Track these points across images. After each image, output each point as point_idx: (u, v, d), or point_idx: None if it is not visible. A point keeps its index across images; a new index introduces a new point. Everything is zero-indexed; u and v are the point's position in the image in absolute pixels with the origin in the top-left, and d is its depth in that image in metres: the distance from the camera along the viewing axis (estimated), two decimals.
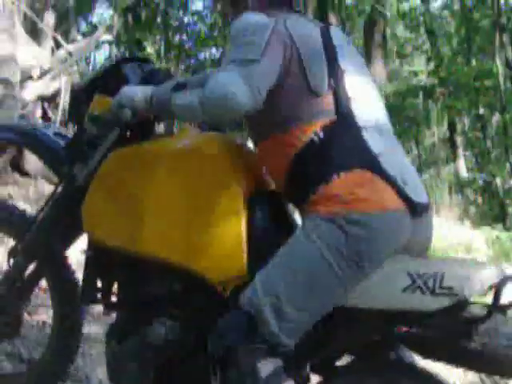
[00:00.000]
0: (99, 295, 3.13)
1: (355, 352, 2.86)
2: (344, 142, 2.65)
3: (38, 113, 5.67)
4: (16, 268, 3.24)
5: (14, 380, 3.39)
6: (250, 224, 2.80)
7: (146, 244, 2.88)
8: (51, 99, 6.34)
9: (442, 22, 22.79)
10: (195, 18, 19.16)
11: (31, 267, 3.31)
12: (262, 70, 2.58)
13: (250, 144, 3.05)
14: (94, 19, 20.07)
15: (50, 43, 7.21)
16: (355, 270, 2.56)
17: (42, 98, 6.23)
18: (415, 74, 22.15)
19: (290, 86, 2.69)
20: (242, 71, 2.54)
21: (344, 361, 2.89)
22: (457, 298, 2.46)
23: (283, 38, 2.67)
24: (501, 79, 18.10)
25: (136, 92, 2.86)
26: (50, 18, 7.21)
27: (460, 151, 22.03)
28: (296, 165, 2.69)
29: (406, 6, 17.45)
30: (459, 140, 22.39)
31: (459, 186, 18.25)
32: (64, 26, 14.14)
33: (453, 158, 22.13)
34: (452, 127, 22.54)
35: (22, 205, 4.14)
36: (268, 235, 2.85)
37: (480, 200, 19.88)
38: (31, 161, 5.34)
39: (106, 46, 18.87)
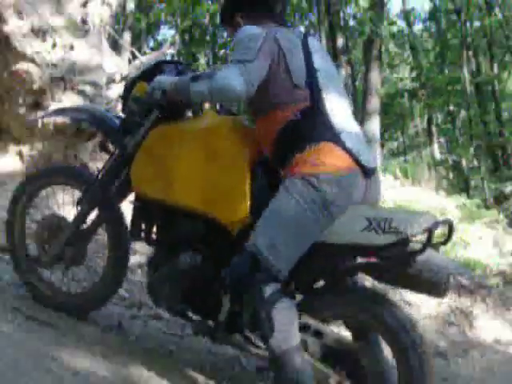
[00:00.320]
0: (143, 234, 3.18)
1: (326, 277, 2.88)
2: (315, 122, 2.71)
3: (119, 107, 5.68)
4: (81, 213, 3.27)
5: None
6: (253, 181, 2.84)
7: (177, 196, 2.93)
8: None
9: (422, 40, 22.57)
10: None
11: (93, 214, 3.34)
12: (255, 68, 2.65)
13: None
14: (160, 37, 20.01)
15: (127, 55, 7.24)
16: (326, 215, 2.62)
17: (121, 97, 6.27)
18: (401, 80, 21.99)
19: (278, 80, 2.75)
20: (240, 68, 2.63)
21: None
22: (401, 236, 2.49)
23: (272, 45, 2.74)
24: (466, 85, 17.92)
25: (165, 79, 2.96)
26: (127, 37, 7.26)
27: (435, 138, 21.89)
28: (280, 137, 2.76)
29: (395, 29, 17.34)
30: (434, 130, 22.25)
31: (434, 164, 18.09)
32: (137, 42, 14.17)
33: (429, 143, 21.99)
34: (430, 120, 22.39)
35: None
36: (265, 190, 2.85)
37: (450, 175, 19.71)
38: None
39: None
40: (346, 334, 2.99)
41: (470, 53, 18.80)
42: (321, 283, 2.90)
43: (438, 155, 21.18)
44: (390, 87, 21.70)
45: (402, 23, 21.00)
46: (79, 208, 3.28)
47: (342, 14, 14.97)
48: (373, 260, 2.69)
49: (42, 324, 3.15)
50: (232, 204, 2.84)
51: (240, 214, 2.82)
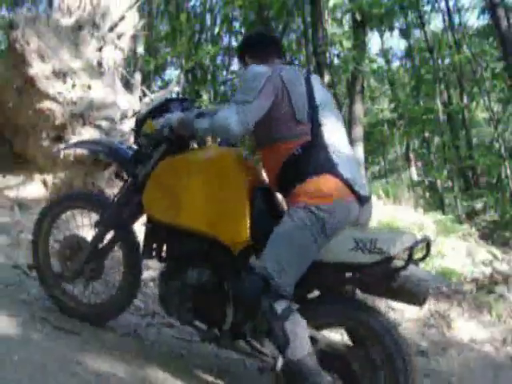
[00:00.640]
0: (154, 253, 3.18)
1: (320, 289, 2.88)
2: (315, 155, 2.70)
3: (131, 139, 5.70)
4: (99, 234, 3.28)
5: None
6: (252, 206, 2.84)
7: (184, 219, 2.93)
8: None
9: (399, 75, 22.67)
10: (233, 75, 19.18)
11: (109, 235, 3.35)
12: (252, 109, 2.65)
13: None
14: (166, 77, 20.10)
15: (138, 93, 7.26)
16: (323, 237, 2.63)
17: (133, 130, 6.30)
18: (382, 110, 22.02)
19: (281, 116, 2.73)
20: (238, 109, 2.64)
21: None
22: (385, 255, 2.51)
23: (277, 83, 2.72)
24: (439, 114, 17.96)
25: (172, 116, 2.97)
26: (138, 77, 7.28)
27: (412, 162, 21.93)
28: (283, 168, 2.75)
29: (375, 65, 17.44)
30: (412, 155, 22.29)
31: (412, 185, 18.10)
32: (147, 81, 14.21)
33: (408, 167, 22.01)
34: (407, 146, 22.44)
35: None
36: (264, 214, 2.87)
37: (427, 195, 19.70)
38: None
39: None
40: (337, 339, 2.98)
41: (442, 86, 18.83)
42: (314, 294, 2.89)
43: (415, 177, 21.21)
44: (372, 117, 21.70)
45: (381, 61, 21.16)
46: (97, 229, 3.29)
47: (327, 54, 15.01)
48: (360, 275, 2.70)
49: (67, 332, 3.17)
50: (233, 227, 2.84)
51: (241, 236, 2.82)
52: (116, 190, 3.78)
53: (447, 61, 19.63)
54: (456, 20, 18.82)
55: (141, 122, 3.19)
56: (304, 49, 18.14)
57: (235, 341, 2.96)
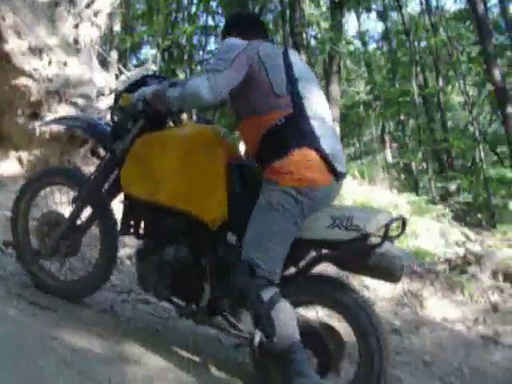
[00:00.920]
0: (131, 230, 3.17)
1: (296, 267, 2.91)
2: (297, 127, 2.69)
3: (108, 117, 5.67)
4: (76, 210, 3.26)
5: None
6: (229, 183, 2.84)
7: (162, 196, 2.92)
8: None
9: (376, 58, 22.73)
10: (210, 55, 19.12)
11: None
12: (223, 78, 2.62)
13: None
14: (142, 56, 19.97)
15: (114, 71, 7.22)
16: (302, 219, 2.65)
17: (110, 108, 6.28)
18: (358, 93, 22.13)
19: (258, 88, 2.71)
20: (209, 76, 2.62)
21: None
22: (361, 232, 2.54)
23: (251, 55, 2.70)
24: (415, 97, 18.09)
25: (147, 89, 2.94)
26: (114, 54, 7.24)
27: (387, 145, 22.06)
28: (264, 140, 2.73)
29: (352, 47, 17.47)
30: (387, 137, 22.42)
31: (387, 167, 18.22)
32: (123, 60, 14.11)
33: (383, 149, 22.15)
34: (383, 128, 22.59)
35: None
36: (241, 191, 2.86)
37: (402, 177, 19.85)
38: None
39: None
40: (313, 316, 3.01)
41: (418, 69, 18.97)
42: (290, 271, 2.91)
43: (390, 159, 21.34)
44: (348, 99, 21.83)
45: (357, 43, 21.19)
46: (74, 205, 3.27)
47: (304, 35, 15.00)
48: (336, 252, 2.73)
49: (43, 308, 3.15)
50: (210, 204, 2.84)
51: (218, 212, 2.83)
52: (91, 168, 3.76)
53: (423, 44, 19.75)
54: (433, 3, 18.94)
55: (118, 97, 3.17)
56: (281, 29, 18.08)
57: (212, 317, 2.97)
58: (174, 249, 2.96)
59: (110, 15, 7.36)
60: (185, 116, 3.38)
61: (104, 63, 7.21)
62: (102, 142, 3.26)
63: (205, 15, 20.19)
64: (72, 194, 3.33)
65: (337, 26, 13.66)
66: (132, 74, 7.14)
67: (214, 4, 19.66)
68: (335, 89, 13.92)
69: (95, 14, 6.10)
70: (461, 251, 6.37)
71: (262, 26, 3.12)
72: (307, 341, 2.69)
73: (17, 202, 3.46)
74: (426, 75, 19.89)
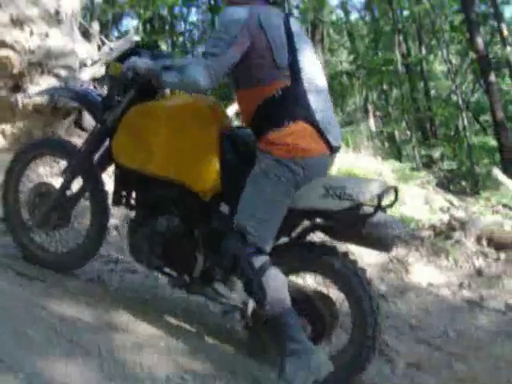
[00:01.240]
0: (123, 200, 3.17)
1: (289, 236, 2.93)
2: (293, 100, 2.67)
3: (91, 88, 5.62)
4: (66, 181, 3.24)
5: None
6: (222, 153, 2.84)
7: (154, 166, 2.90)
8: (99, 80, 6.32)
9: (358, 27, 22.62)
10: (192, 26, 18.94)
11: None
12: (221, 62, 2.57)
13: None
14: (123, 28, 19.72)
15: (97, 42, 7.13)
16: (295, 189, 2.66)
17: (93, 79, 6.22)
18: (341, 62, 22.05)
19: (261, 59, 2.66)
20: (207, 63, 2.56)
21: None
22: (355, 201, 2.56)
23: (253, 28, 2.61)
24: (398, 66, 18.08)
25: (138, 61, 2.86)
26: (95, 26, 7.16)
27: (371, 114, 22.05)
28: (260, 110, 2.70)
29: (334, 17, 17.38)
30: (370, 107, 22.41)
31: (371, 137, 18.24)
32: (105, 31, 13.94)
33: (366, 118, 22.16)
34: (366, 98, 22.55)
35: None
36: (234, 161, 2.86)
37: (386, 145, 19.91)
38: (87, 120, 5.46)
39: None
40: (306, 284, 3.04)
41: (401, 38, 18.91)
42: (282, 240, 2.92)
43: (373, 129, 21.35)
44: (331, 69, 21.71)
45: (340, 12, 21.06)
46: (64, 176, 3.25)
47: (285, 5, 14.87)
48: (329, 222, 2.74)
49: (31, 279, 3.16)
50: (203, 174, 2.83)
51: (210, 183, 2.83)
52: (76, 139, 3.72)
53: (406, 12, 19.66)
54: None
55: (108, 66, 3.14)
56: None
57: (205, 286, 2.98)
58: (167, 219, 2.96)
59: None
60: None
61: (86, 34, 7.10)
62: (93, 110, 3.23)
63: None
64: (62, 165, 3.30)
65: None
66: (116, 44, 7.07)
67: None
68: (318, 58, 13.88)
69: None
70: (445, 217, 6.43)
71: None
72: (301, 308, 2.71)
73: (7, 174, 3.43)
74: (408, 44, 19.86)
